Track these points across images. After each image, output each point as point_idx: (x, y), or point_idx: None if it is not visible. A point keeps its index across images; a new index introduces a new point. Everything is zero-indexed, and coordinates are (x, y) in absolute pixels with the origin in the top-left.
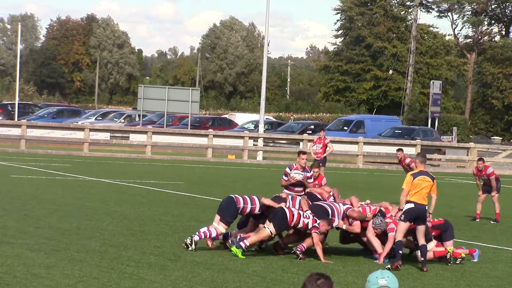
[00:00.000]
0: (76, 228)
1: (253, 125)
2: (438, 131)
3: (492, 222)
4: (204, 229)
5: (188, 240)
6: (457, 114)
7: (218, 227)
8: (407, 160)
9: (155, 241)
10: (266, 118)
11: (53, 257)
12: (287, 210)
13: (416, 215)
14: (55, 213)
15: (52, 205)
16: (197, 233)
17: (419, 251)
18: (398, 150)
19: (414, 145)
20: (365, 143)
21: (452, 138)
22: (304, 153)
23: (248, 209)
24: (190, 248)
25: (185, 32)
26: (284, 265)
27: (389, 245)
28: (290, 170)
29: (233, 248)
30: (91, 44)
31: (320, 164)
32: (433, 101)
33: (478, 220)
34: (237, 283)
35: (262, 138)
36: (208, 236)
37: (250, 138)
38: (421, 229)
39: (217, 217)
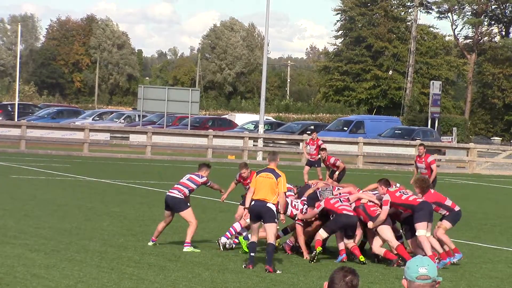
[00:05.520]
0: (76, 228)
1: (253, 125)
2: (438, 132)
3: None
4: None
5: (218, 244)
6: (457, 114)
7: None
8: (332, 160)
9: None
10: (266, 119)
11: (53, 257)
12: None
13: (257, 213)
14: (55, 213)
15: (52, 205)
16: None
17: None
18: (321, 150)
19: (414, 146)
20: (365, 144)
21: (452, 138)
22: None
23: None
24: (221, 249)
25: (182, 33)
26: (283, 265)
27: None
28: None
29: (241, 239)
30: (91, 45)
31: (316, 165)
32: (433, 101)
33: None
34: (237, 284)
35: (262, 139)
36: (234, 233)
37: (250, 138)
38: (268, 227)
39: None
